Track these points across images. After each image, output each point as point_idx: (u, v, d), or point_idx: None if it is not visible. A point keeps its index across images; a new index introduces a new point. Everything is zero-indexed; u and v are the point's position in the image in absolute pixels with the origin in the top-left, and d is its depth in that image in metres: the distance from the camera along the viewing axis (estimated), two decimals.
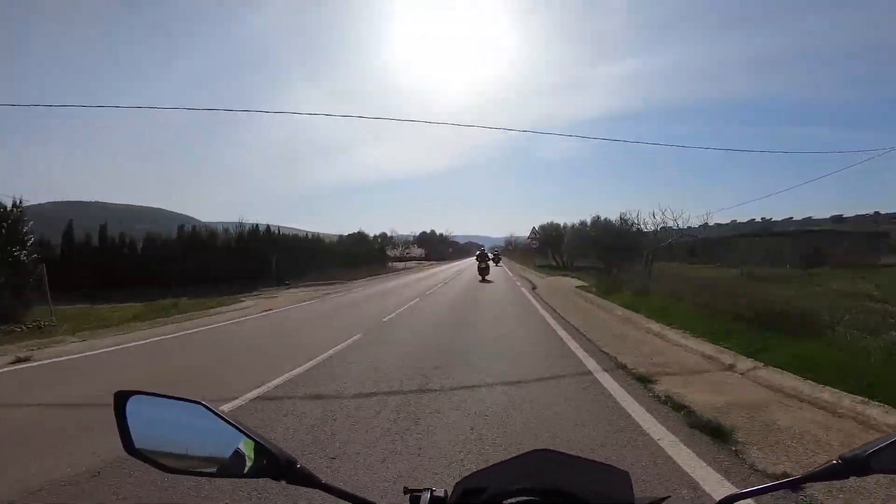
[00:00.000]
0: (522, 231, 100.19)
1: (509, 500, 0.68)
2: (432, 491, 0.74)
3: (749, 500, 1.06)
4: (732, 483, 2.51)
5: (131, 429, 0.74)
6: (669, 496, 0.77)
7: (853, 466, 0.65)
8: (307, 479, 0.71)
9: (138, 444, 0.73)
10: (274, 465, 0.70)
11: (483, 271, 21.71)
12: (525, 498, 0.68)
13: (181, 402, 0.74)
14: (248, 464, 0.71)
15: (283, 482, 0.71)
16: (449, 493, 0.74)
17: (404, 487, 0.77)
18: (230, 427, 0.72)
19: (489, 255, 24.72)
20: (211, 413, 0.72)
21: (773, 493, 0.69)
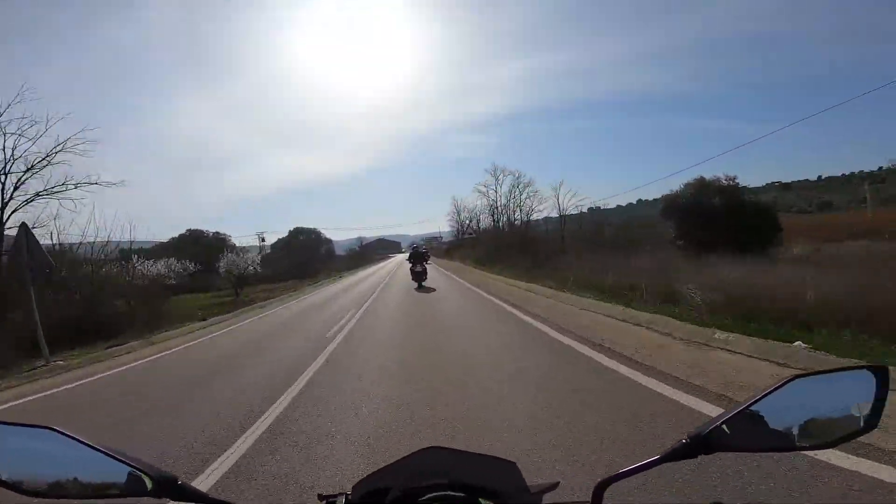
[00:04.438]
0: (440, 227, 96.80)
1: (424, 498, 0.74)
2: (347, 495, 0.79)
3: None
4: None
5: None
6: (559, 481, 0.84)
7: (698, 445, 0.71)
8: (192, 495, 0.72)
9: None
10: (148, 483, 0.71)
11: (419, 276, 18.06)
12: (435, 494, 0.74)
13: (32, 429, 0.74)
14: (121, 484, 0.71)
15: (167, 500, 0.71)
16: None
17: (318, 494, 0.82)
18: (91, 450, 0.72)
19: (423, 248, 20.49)
20: (68, 438, 0.73)
21: (642, 472, 0.74)
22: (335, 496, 0.79)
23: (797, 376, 0.73)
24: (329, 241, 63.50)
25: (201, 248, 40.57)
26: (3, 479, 0.71)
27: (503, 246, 32.77)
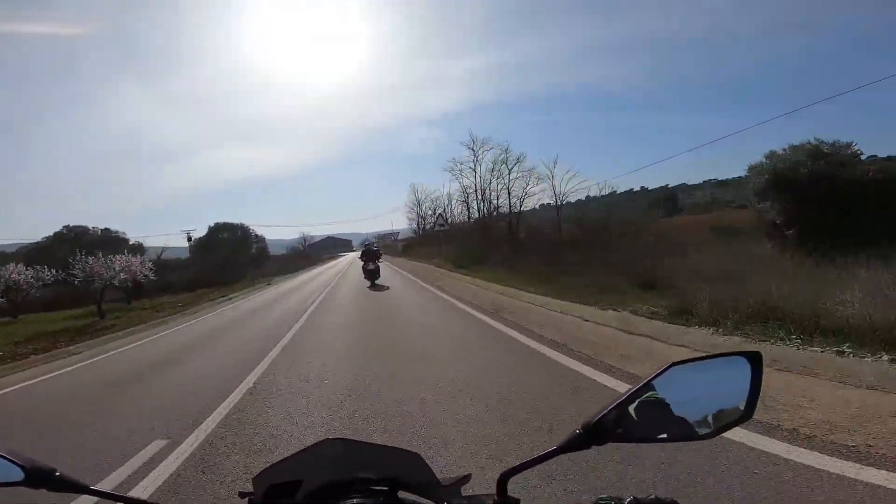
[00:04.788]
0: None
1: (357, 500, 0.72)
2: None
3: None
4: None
5: None
6: (471, 474, 0.81)
7: (590, 436, 0.71)
8: (72, 486, 0.72)
9: None
10: (21, 473, 0.71)
11: (371, 274, 17.33)
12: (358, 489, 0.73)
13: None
14: None
15: (45, 490, 0.71)
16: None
17: (239, 492, 0.78)
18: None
19: (375, 246, 20.19)
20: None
21: (540, 464, 0.74)
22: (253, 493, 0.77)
23: (675, 363, 0.73)
24: (261, 239, 51.77)
25: (84, 249, 29.89)
26: None
27: (488, 240, 24.83)
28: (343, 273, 28.29)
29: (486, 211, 33.11)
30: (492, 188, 33.04)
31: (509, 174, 31.74)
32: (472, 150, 33.84)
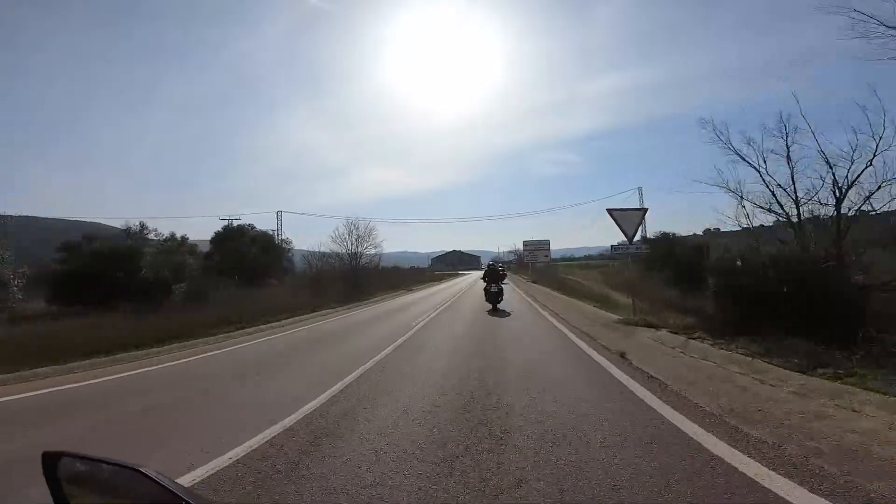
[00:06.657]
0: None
1: None
2: None
3: None
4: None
5: (66, 491, 0.72)
6: None
7: None
8: None
9: None
10: None
11: (494, 297, 15.44)
12: None
13: (118, 467, 0.72)
14: None
15: None
16: None
17: None
18: (171, 494, 0.69)
19: (500, 267, 18.02)
20: (150, 480, 0.70)
21: None
22: None
23: None
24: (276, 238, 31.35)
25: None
26: None
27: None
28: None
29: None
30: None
31: None
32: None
